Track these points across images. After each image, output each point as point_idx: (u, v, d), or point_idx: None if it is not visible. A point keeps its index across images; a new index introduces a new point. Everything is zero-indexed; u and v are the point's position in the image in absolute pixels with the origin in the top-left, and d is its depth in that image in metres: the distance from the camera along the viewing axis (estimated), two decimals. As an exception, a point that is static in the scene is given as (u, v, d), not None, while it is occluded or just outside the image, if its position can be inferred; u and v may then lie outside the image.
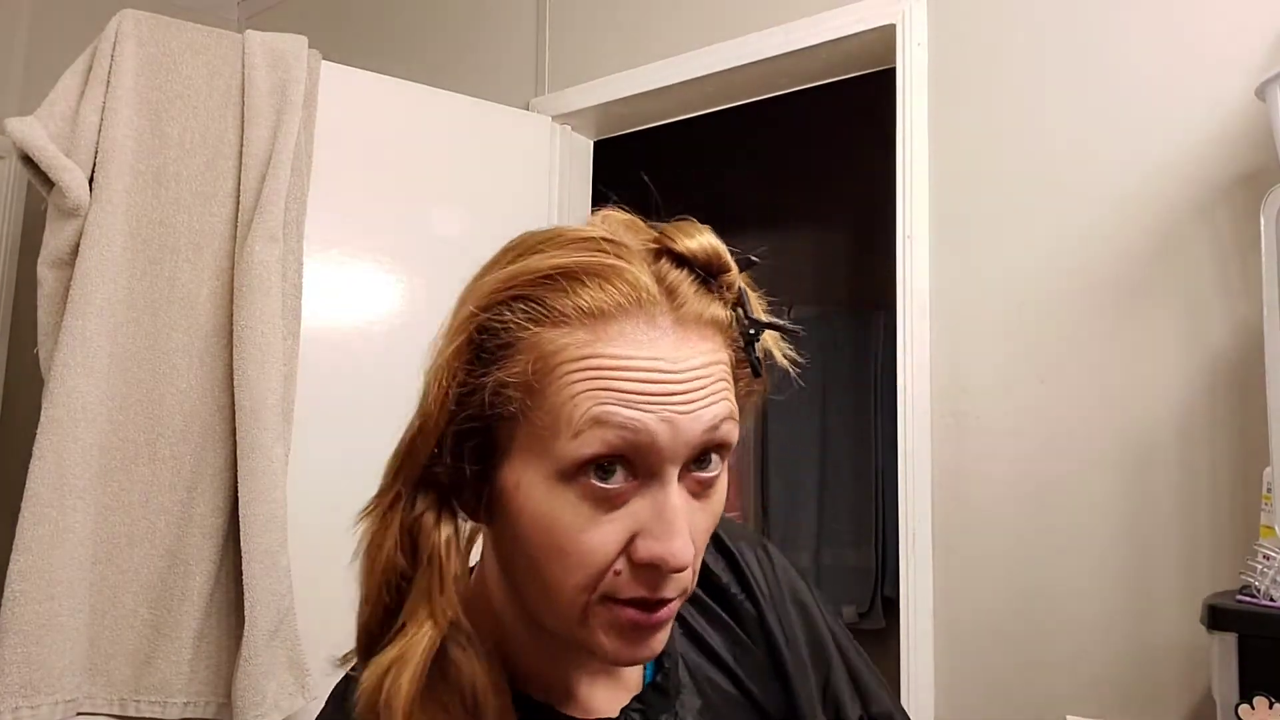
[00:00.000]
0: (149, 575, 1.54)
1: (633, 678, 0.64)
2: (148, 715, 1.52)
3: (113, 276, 1.54)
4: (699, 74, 1.88)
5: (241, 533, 1.53)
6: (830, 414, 3.15)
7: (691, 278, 0.53)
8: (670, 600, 0.53)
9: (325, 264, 1.74)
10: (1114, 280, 1.40)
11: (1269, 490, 1.15)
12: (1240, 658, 1.05)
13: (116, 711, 1.51)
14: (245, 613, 1.51)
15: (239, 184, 1.64)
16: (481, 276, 0.55)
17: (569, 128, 2.13)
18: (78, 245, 1.52)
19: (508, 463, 0.52)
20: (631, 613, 0.52)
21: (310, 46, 1.73)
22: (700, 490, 0.54)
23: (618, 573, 0.51)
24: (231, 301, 1.59)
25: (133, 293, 1.57)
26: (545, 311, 0.51)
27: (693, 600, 0.68)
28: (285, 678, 1.54)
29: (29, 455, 1.46)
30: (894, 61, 1.65)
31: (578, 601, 0.52)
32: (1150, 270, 1.37)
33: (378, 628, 0.54)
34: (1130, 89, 1.42)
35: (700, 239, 0.54)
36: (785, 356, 0.60)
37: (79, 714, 1.48)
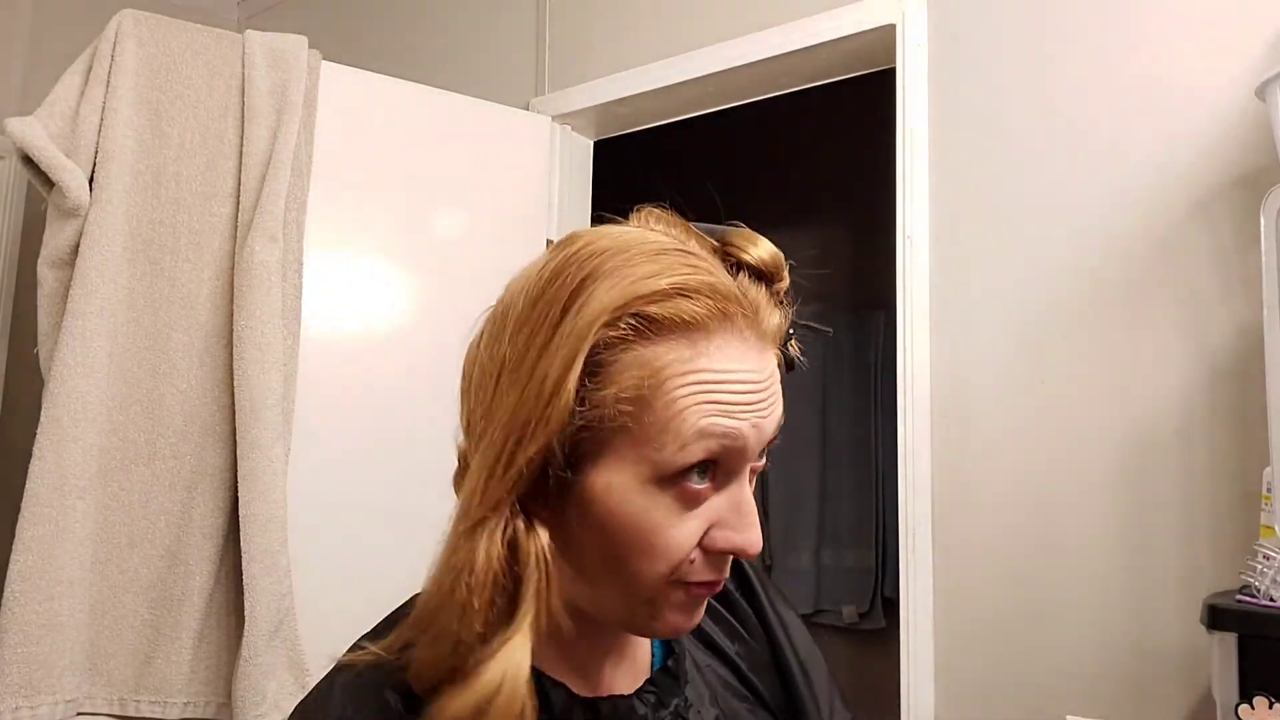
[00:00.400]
0: (149, 575, 1.54)
1: (643, 663, 0.66)
2: (148, 715, 1.52)
3: (113, 276, 1.54)
4: (699, 74, 1.88)
5: (242, 533, 1.53)
6: (830, 414, 3.15)
7: (764, 292, 0.58)
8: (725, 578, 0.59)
9: (325, 264, 1.74)
10: (1114, 280, 1.40)
11: (1269, 490, 1.15)
12: (1240, 658, 1.04)
13: (116, 711, 1.51)
14: (245, 613, 1.51)
15: (239, 184, 1.64)
16: (552, 284, 0.55)
17: (569, 128, 2.13)
18: (78, 245, 1.52)
19: (596, 467, 0.54)
20: (696, 589, 0.57)
21: (310, 46, 1.73)
22: (752, 479, 0.59)
23: (692, 561, 0.56)
24: (231, 301, 1.59)
25: (133, 293, 1.57)
26: (651, 327, 0.53)
27: None
28: (285, 678, 1.54)
29: (29, 455, 1.46)
30: (894, 61, 1.65)
31: (655, 588, 0.56)
32: (1150, 270, 1.37)
33: (473, 640, 0.54)
34: (1130, 88, 1.42)
35: (765, 248, 0.59)
36: (793, 352, 0.64)
37: (79, 714, 1.48)
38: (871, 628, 3.04)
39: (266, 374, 1.56)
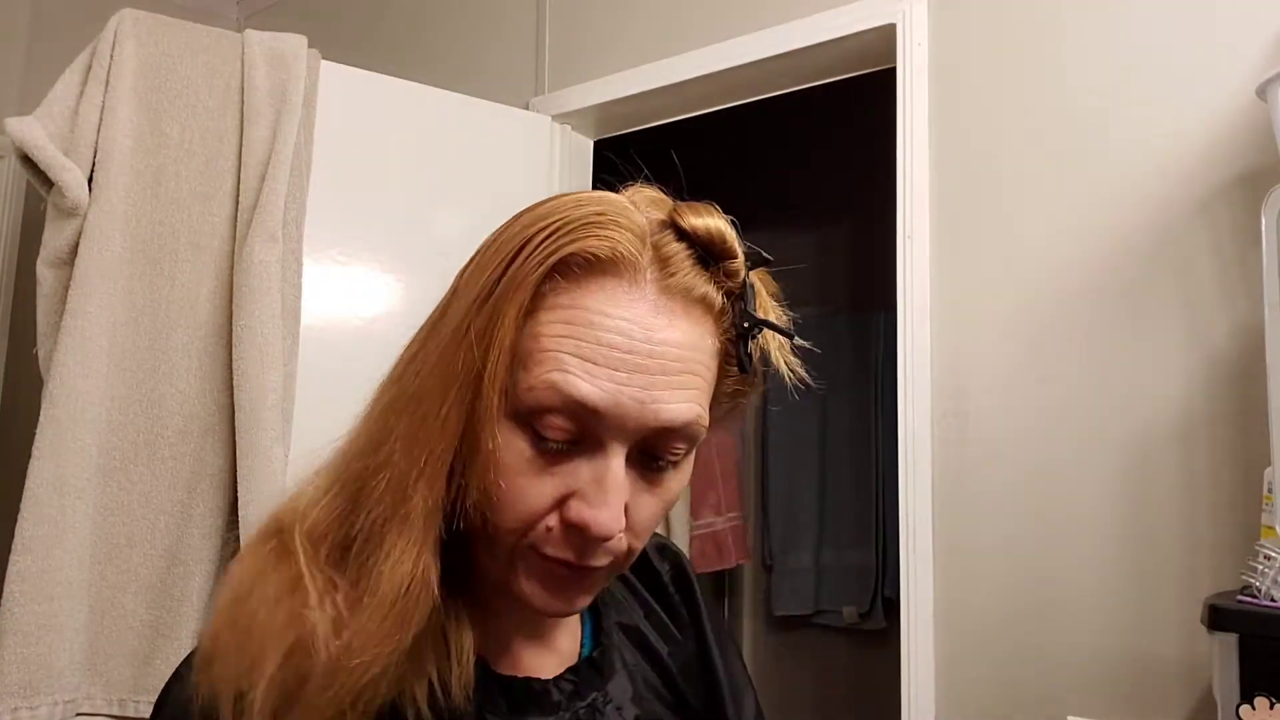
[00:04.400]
0: (148, 575, 1.54)
1: (569, 650, 0.64)
2: (147, 716, 1.52)
3: (112, 276, 1.53)
4: (699, 74, 1.88)
5: (241, 533, 1.53)
6: (830, 414, 3.15)
7: (690, 253, 0.53)
8: (597, 569, 0.53)
9: (325, 264, 1.74)
10: (1114, 280, 1.40)
11: (1270, 490, 1.15)
12: (1241, 658, 1.04)
13: (116, 712, 1.51)
14: (245, 613, 1.50)
15: (238, 184, 1.64)
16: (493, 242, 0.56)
17: (569, 127, 2.13)
18: (77, 245, 1.52)
19: None
20: (556, 565, 0.53)
21: (310, 46, 1.73)
22: (651, 476, 0.54)
23: (550, 529, 0.52)
24: (231, 301, 1.59)
25: (132, 293, 1.57)
26: (562, 261, 0.51)
27: (636, 597, 0.70)
28: (285, 678, 1.54)
29: (29, 455, 1.46)
30: (894, 61, 1.65)
31: (506, 543, 0.52)
32: (1150, 270, 1.37)
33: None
34: (1130, 89, 1.41)
35: (707, 219, 0.53)
36: (786, 362, 0.59)
37: (78, 714, 1.48)
38: (872, 628, 3.04)
39: (266, 374, 1.56)
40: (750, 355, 0.55)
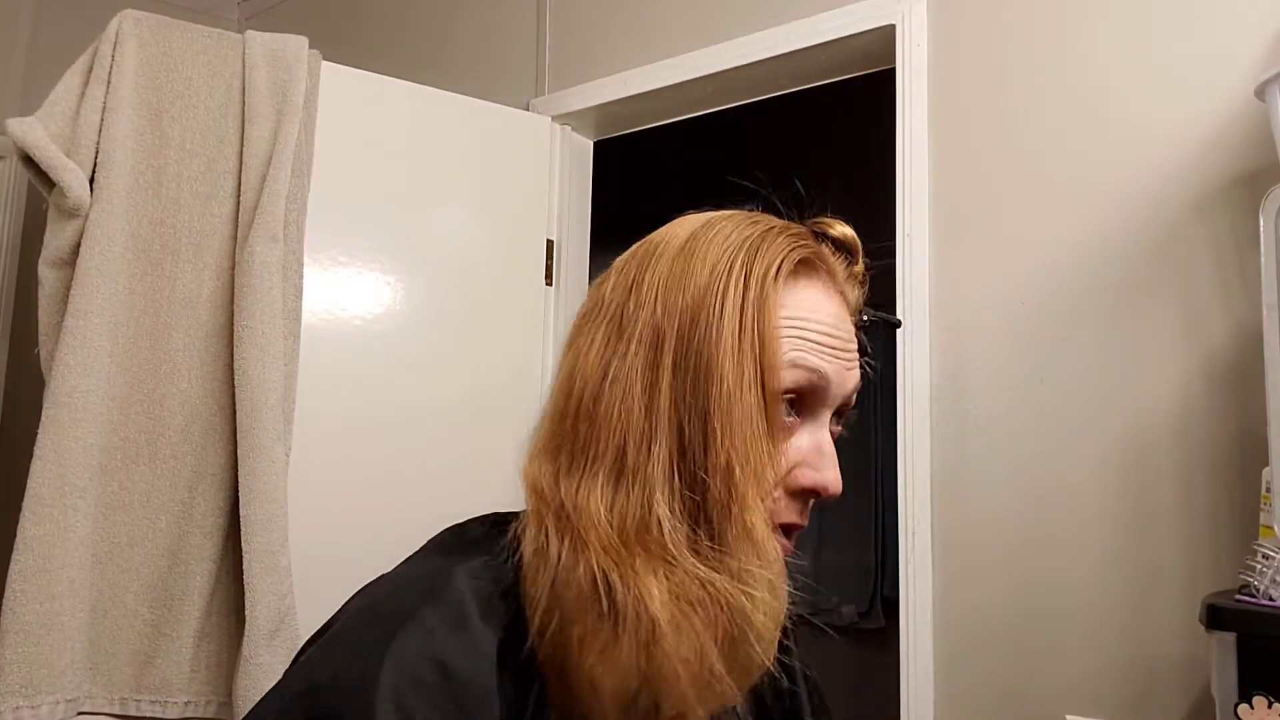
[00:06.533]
0: (150, 575, 1.54)
1: None
2: (149, 715, 1.52)
3: (113, 276, 1.54)
4: (699, 74, 1.88)
5: (242, 532, 1.53)
6: (830, 414, 3.15)
7: (843, 262, 0.65)
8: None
9: (326, 264, 1.75)
10: (1113, 280, 1.41)
11: (1268, 490, 1.15)
12: (1239, 657, 1.04)
13: (117, 711, 1.51)
14: (246, 612, 1.51)
15: (239, 184, 1.64)
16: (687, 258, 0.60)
17: (569, 128, 2.13)
18: (78, 245, 1.52)
19: None
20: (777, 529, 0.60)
21: (311, 47, 1.73)
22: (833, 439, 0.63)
23: (775, 499, 0.59)
24: (232, 301, 1.59)
25: (133, 293, 1.57)
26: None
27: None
28: (286, 677, 1.54)
29: (30, 455, 1.46)
30: (894, 61, 1.65)
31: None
32: (1150, 270, 1.38)
33: None
34: (1130, 88, 1.42)
35: (846, 227, 0.66)
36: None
37: (80, 713, 1.48)
38: (871, 627, 3.05)
39: (267, 374, 1.56)
40: (864, 341, 0.67)
